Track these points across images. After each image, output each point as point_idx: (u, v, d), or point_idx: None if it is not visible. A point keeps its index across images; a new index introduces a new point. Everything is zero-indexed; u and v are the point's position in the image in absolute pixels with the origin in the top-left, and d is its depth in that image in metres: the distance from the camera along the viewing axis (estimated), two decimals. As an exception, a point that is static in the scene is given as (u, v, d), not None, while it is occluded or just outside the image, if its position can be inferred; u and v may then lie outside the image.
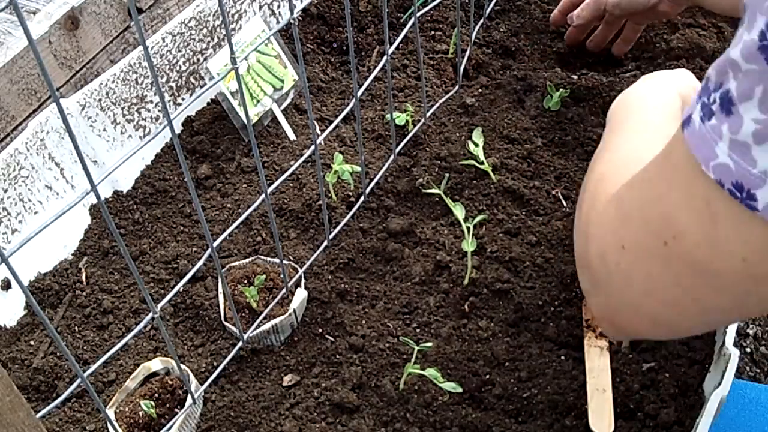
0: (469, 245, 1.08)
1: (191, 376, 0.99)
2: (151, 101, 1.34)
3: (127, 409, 0.98)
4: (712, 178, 0.55)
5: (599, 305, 0.76)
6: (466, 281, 1.10)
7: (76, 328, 1.14)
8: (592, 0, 1.33)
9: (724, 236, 0.57)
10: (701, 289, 0.63)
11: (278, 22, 1.52)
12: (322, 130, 1.34)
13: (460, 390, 0.96)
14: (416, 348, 0.98)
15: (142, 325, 0.82)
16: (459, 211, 1.11)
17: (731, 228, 0.57)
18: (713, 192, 0.56)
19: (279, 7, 1.53)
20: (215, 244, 0.87)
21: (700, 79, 1.05)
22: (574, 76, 1.38)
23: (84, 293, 1.18)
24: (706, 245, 0.59)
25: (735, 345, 0.90)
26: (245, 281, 1.10)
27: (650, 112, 0.92)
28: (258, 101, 1.32)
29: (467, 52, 1.43)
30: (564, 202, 1.19)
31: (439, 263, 1.12)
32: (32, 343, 1.13)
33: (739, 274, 0.59)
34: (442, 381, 0.96)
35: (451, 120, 1.33)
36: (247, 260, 1.13)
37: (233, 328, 1.05)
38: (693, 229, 0.60)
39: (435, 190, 1.16)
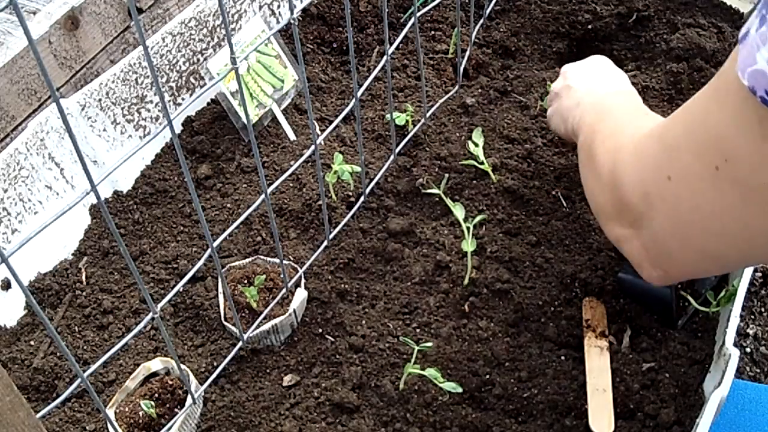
0: (469, 245, 1.08)
1: (191, 376, 0.99)
2: (151, 101, 1.34)
3: (127, 409, 0.98)
4: (745, 86, 0.54)
5: (642, 247, 0.76)
6: (466, 281, 1.10)
7: (76, 328, 1.14)
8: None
9: None
10: (751, 212, 0.61)
11: (278, 22, 1.52)
12: (322, 130, 1.34)
13: (460, 390, 0.96)
14: (416, 348, 0.98)
15: (142, 325, 0.82)
16: (459, 211, 1.11)
17: None
18: (764, 110, 0.53)
19: (279, 7, 1.53)
20: (215, 244, 0.87)
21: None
22: (574, 76, 1.38)
23: (84, 293, 1.18)
24: (759, 164, 0.57)
25: (735, 345, 0.90)
26: (245, 281, 1.10)
27: (619, 99, 0.98)
28: (258, 101, 1.32)
29: (467, 52, 1.43)
30: (564, 202, 1.19)
31: (439, 263, 1.12)
32: (32, 343, 1.13)
33: None
34: (442, 381, 0.96)
35: (451, 120, 1.33)
36: (247, 260, 1.13)
37: (233, 328, 1.05)
38: (745, 149, 0.58)
39: (435, 190, 1.16)
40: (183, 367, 0.97)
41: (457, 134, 1.30)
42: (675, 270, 0.76)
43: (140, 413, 0.97)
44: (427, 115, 1.31)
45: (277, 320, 1.03)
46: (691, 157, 0.64)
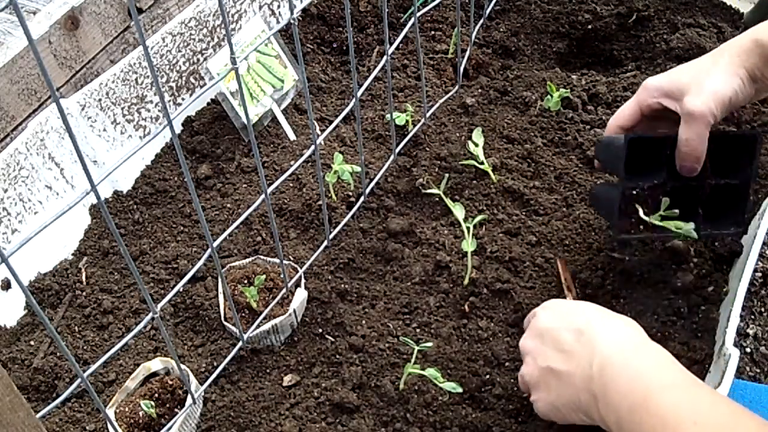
0: (469, 245, 1.08)
1: (191, 376, 0.99)
2: (151, 101, 1.34)
3: (127, 409, 0.98)
4: None
5: None
6: (466, 281, 1.10)
7: (76, 328, 1.14)
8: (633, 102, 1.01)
9: None
10: None
11: (278, 22, 1.52)
12: (322, 130, 1.34)
13: (460, 390, 0.96)
14: (416, 348, 0.98)
15: (142, 325, 0.82)
16: (459, 211, 1.11)
17: None
18: None
19: (279, 7, 1.53)
20: (215, 244, 0.87)
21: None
22: (574, 76, 1.38)
23: (84, 293, 1.18)
24: None
25: (735, 345, 0.90)
26: (245, 281, 1.10)
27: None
28: (258, 101, 1.32)
29: (467, 52, 1.43)
30: (564, 202, 1.19)
31: (439, 263, 1.12)
32: (32, 343, 1.13)
33: None
34: (442, 381, 0.96)
35: (451, 120, 1.33)
36: (247, 260, 1.13)
37: (233, 328, 1.05)
38: None
39: (435, 190, 1.16)
40: (183, 367, 0.97)
41: (457, 134, 1.30)
42: None
43: (140, 413, 0.97)
44: (427, 115, 1.31)
45: (277, 320, 1.03)
46: None
